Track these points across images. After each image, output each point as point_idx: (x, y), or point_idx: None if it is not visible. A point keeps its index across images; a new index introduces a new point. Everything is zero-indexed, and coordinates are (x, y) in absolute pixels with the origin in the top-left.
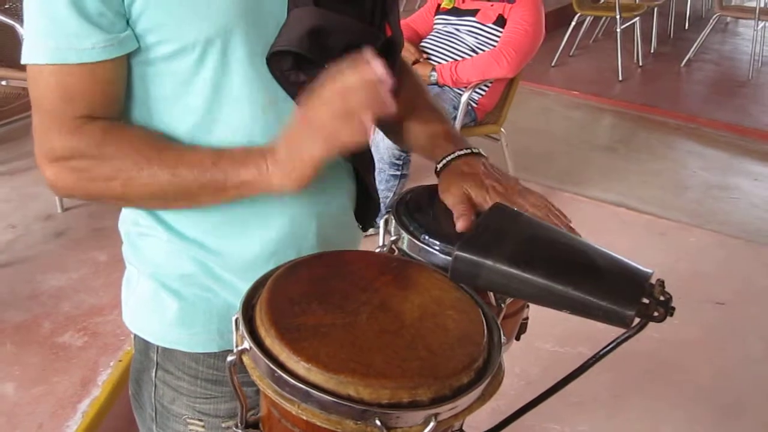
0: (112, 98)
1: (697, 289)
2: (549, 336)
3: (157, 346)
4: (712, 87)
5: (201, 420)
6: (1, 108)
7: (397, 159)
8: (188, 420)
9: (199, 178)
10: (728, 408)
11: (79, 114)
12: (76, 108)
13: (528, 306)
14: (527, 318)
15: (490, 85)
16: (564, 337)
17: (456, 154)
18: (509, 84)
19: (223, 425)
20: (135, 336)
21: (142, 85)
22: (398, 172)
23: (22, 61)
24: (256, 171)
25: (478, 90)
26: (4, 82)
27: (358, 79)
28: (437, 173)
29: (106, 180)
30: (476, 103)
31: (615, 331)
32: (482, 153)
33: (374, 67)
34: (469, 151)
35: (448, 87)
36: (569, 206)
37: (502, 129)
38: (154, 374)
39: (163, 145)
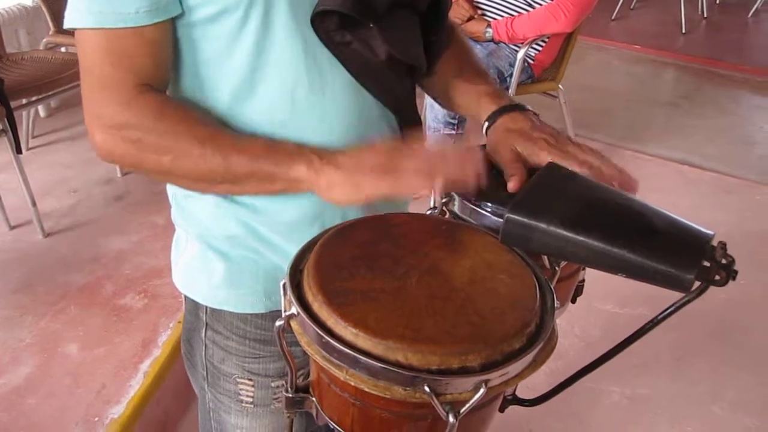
0: (159, 62)
1: (763, 249)
2: (609, 297)
3: (206, 307)
4: None
5: (250, 379)
6: (60, 75)
7: (453, 118)
8: (238, 379)
9: (250, 165)
10: None
11: (132, 82)
12: (127, 74)
13: (584, 268)
14: (583, 281)
15: (547, 40)
16: (624, 298)
17: (500, 109)
18: (567, 39)
19: (273, 384)
20: (185, 297)
21: (186, 49)
22: (453, 132)
23: (65, 25)
24: (306, 168)
25: (534, 46)
26: (63, 49)
27: (459, 156)
28: (485, 133)
29: (157, 153)
30: (533, 60)
31: (676, 294)
32: (529, 108)
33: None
34: (514, 105)
35: (504, 43)
36: (631, 164)
37: (560, 86)
38: (204, 334)
39: (218, 128)
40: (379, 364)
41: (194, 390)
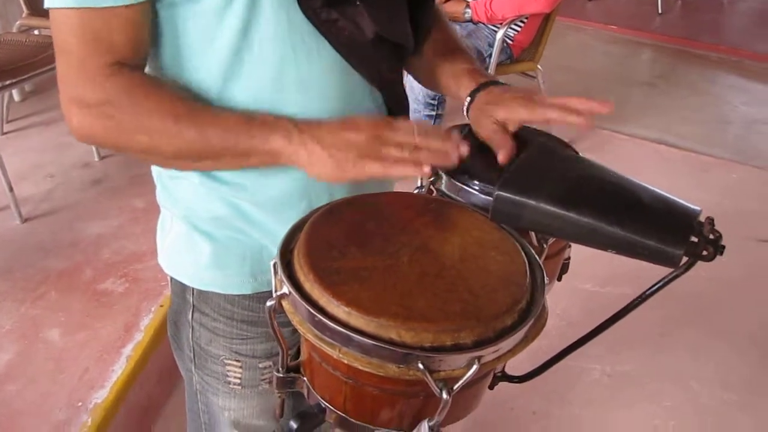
0: (137, 43)
1: (740, 227)
2: (591, 276)
3: (193, 289)
4: (756, 18)
5: (238, 360)
6: (35, 58)
7: (432, 99)
8: (225, 361)
9: (227, 139)
10: None
11: (109, 61)
12: (104, 54)
13: (570, 246)
14: (569, 258)
15: (525, 21)
16: (606, 278)
17: (478, 86)
18: (545, 20)
19: (260, 365)
20: (171, 279)
21: (170, 29)
22: (433, 113)
23: (45, 5)
24: (283, 140)
25: (513, 26)
26: (36, 32)
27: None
28: (466, 112)
29: (135, 132)
30: (512, 40)
31: (658, 272)
32: (504, 83)
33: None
34: (491, 82)
35: (483, 24)
36: (608, 144)
37: (539, 66)
38: (190, 316)
39: (193, 103)
40: (373, 342)
41: (178, 373)
